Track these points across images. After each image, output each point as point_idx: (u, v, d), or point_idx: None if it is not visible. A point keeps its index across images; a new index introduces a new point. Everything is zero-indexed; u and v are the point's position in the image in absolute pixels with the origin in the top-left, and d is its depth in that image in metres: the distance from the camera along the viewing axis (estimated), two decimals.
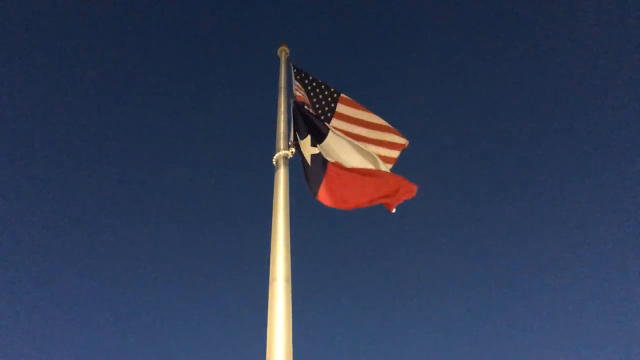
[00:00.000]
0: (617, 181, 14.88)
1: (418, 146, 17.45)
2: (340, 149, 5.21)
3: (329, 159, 4.92)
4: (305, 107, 5.41)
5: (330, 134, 5.15)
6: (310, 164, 4.81)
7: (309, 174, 4.79)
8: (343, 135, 5.33)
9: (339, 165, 4.92)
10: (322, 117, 5.78)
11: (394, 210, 4.89)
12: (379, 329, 14.02)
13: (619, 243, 14.26)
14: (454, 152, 17.17)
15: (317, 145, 4.91)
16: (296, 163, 4.82)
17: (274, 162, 4.55)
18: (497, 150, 16.82)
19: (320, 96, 6.01)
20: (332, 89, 6.03)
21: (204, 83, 17.88)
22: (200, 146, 17.21)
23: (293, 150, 4.70)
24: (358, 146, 5.34)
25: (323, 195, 4.70)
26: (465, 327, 13.98)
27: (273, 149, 4.77)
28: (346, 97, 5.95)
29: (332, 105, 5.91)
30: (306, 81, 6.18)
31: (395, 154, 5.62)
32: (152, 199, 16.01)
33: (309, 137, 4.95)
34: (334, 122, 5.73)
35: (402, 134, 5.71)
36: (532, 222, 15.48)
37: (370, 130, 5.68)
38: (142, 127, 16.88)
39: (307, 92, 6.03)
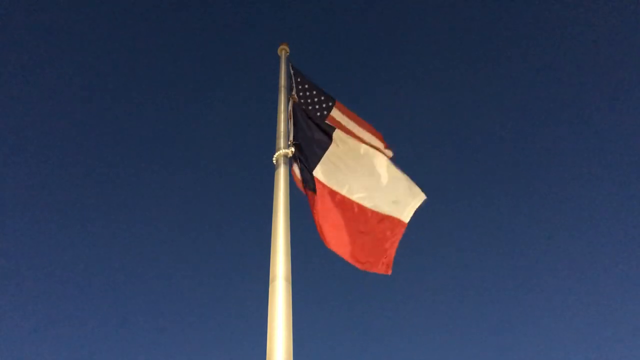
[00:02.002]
0: (618, 182, 14.89)
1: (418, 146, 17.44)
2: (348, 166, 4.88)
3: (322, 181, 4.69)
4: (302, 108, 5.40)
5: (332, 144, 4.92)
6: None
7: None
8: (347, 138, 5.08)
9: (330, 194, 4.63)
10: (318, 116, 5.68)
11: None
12: (380, 328, 14.02)
13: (619, 244, 14.27)
14: (454, 152, 17.18)
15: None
16: None
17: (274, 161, 4.55)
18: (496, 151, 16.82)
19: (316, 99, 5.97)
20: (328, 96, 6.01)
21: (204, 82, 17.89)
22: (200, 145, 17.22)
23: (293, 149, 4.69)
24: (362, 154, 4.95)
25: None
26: (465, 327, 13.99)
27: (273, 148, 4.77)
28: (341, 104, 5.94)
29: (325, 112, 5.86)
30: (305, 85, 6.14)
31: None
32: (151, 198, 16.01)
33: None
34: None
35: (388, 144, 5.52)
36: (531, 223, 15.48)
37: (362, 139, 5.52)
38: (143, 126, 16.88)
39: (303, 96, 5.95)
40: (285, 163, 4.46)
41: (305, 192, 4.62)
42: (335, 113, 5.90)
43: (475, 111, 17.49)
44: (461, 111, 17.55)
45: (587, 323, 13.37)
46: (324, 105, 5.93)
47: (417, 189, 4.76)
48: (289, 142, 4.81)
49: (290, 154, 4.61)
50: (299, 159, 4.76)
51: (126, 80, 16.96)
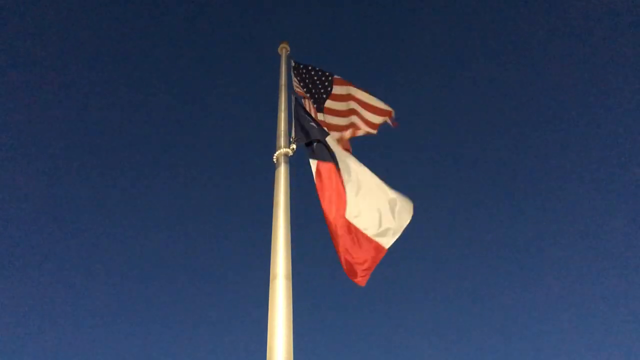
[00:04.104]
0: (617, 182, 14.87)
1: (417, 147, 17.42)
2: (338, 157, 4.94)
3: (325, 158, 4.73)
4: (304, 100, 5.52)
5: (329, 139, 5.01)
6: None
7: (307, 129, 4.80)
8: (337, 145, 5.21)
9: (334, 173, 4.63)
10: (318, 100, 6.20)
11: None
12: (380, 327, 14.04)
13: (618, 244, 14.26)
14: (453, 153, 17.17)
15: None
16: (297, 161, 4.81)
17: (275, 160, 4.55)
18: (495, 151, 16.81)
19: (318, 82, 6.35)
20: (327, 73, 6.43)
21: (204, 81, 17.89)
22: (201, 144, 17.22)
23: (294, 147, 4.69)
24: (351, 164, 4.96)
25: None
26: (465, 327, 14.00)
27: (274, 147, 4.77)
28: (340, 78, 6.41)
29: (329, 88, 6.31)
30: (304, 72, 6.43)
31: (379, 119, 6.08)
32: (152, 197, 16.03)
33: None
34: (329, 103, 6.24)
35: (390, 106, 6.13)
36: (530, 224, 15.48)
37: (361, 100, 6.19)
38: (143, 125, 16.88)
39: (304, 83, 6.17)
40: (285, 162, 4.47)
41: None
42: (336, 89, 6.34)
43: (475, 112, 17.49)
44: (461, 111, 17.56)
45: (587, 323, 13.38)
46: (326, 83, 6.37)
47: (405, 209, 4.60)
48: (290, 139, 4.82)
49: (290, 153, 4.62)
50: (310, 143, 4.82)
51: (126, 80, 16.97)
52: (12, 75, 15.05)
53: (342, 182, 4.57)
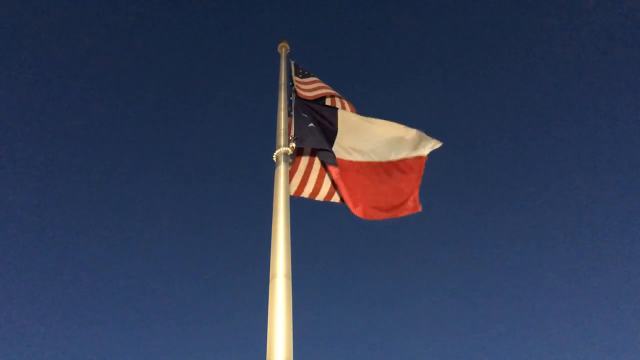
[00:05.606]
0: (618, 181, 14.87)
1: None
2: (354, 136, 5.25)
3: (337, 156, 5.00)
4: (307, 104, 5.48)
5: (339, 122, 5.26)
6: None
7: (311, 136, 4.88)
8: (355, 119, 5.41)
9: (346, 163, 5.05)
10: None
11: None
12: (380, 327, 14.02)
13: (619, 245, 14.25)
14: (453, 152, 17.15)
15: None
16: None
17: (274, 159, 4.55)
18: (495, 151, 16.80)
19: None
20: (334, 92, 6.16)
21: (204, 80, 17.87)
22: (201, 143, 17.21)
23: (293, 145, 4.69)
24: (375, 128, 5.34)
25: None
26: (466, 327, 13.98)
27: (273, 146, 4.76)
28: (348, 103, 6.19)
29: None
30: (307, 78, 6.22)
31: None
32: (151, 197, 16.00)
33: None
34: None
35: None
36: (531, 224, 15.47)
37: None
38: (143, 124, 16.87)
39: (304, 89, 6.11)
40: (285, 161, 4.46)
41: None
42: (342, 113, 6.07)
43: (473, 112, 17.47)
44: (460, 111, 17.54)
45: (586, 323, 13.37)
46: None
47: (428, 138, 5.33)
48: (290, 137, 4.81)
49: (290, 152, 4.61)
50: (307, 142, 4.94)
51: (126, 79, 16.95)
52: (12, 75, 15.04)
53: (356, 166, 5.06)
